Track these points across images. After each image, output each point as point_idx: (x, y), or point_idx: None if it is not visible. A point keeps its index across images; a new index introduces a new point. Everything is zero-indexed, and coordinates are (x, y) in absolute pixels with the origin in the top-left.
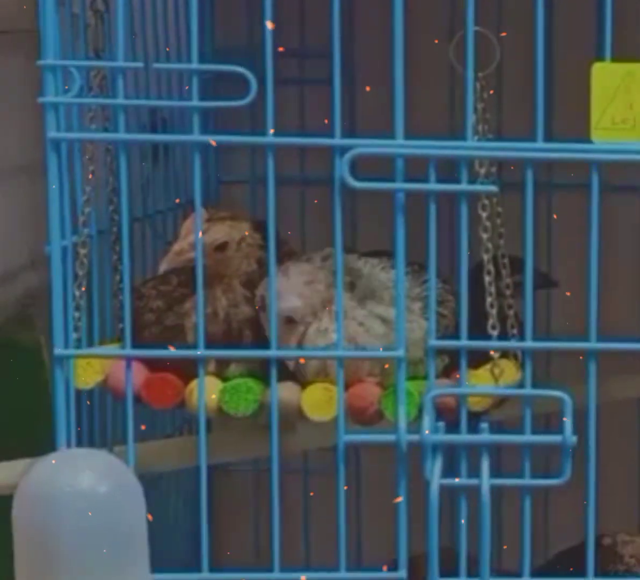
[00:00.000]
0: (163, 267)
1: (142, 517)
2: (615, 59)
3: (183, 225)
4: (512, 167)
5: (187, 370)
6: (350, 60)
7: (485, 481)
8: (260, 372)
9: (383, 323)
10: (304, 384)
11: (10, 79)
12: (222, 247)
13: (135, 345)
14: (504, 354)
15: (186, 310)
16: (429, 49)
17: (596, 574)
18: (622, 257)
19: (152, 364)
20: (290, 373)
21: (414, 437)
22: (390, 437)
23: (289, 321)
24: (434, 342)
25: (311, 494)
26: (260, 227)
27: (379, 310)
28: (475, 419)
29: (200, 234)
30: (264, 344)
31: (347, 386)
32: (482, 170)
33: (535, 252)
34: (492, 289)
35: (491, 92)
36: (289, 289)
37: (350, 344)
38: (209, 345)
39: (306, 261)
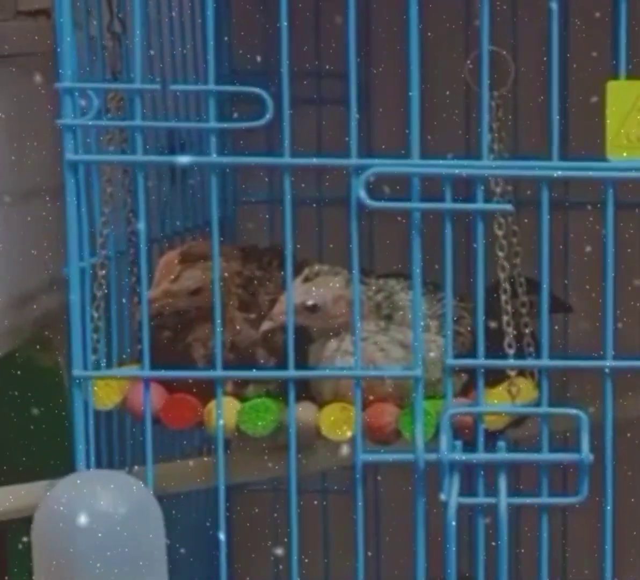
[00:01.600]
0: (137, 317)
1: (161, 537)
2: (631, 76)
3: (157, 269)
4: (527, 186)
5: (206, 391)
6: (366, 80)
7: (503, 500)
8: (278, 392)
9: (402, 348)
10: (321, 403)
11: (29, 101)
12: (196, 292)
13: (154, 366)
14: (521, 372)
15: (190, 343)
16: (445, 68)
17: None
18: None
19: (171, 385)
20: (309, 393)
21: (432, 456)
22: (408, 456)
23: (313, 309)
24: (451, 361)
25: (329, 513)
26: (275, 247)
27: (399, 336)
28: (492, 437)
29: (172, 278)
30: (279, 359)
31: (365, 406)
32: (498, 189)
33: (551, 271)
34: (509, 308)
35: (506, 111)
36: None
37: (368, 366)
38: (225, 367)
39: (334, 275)
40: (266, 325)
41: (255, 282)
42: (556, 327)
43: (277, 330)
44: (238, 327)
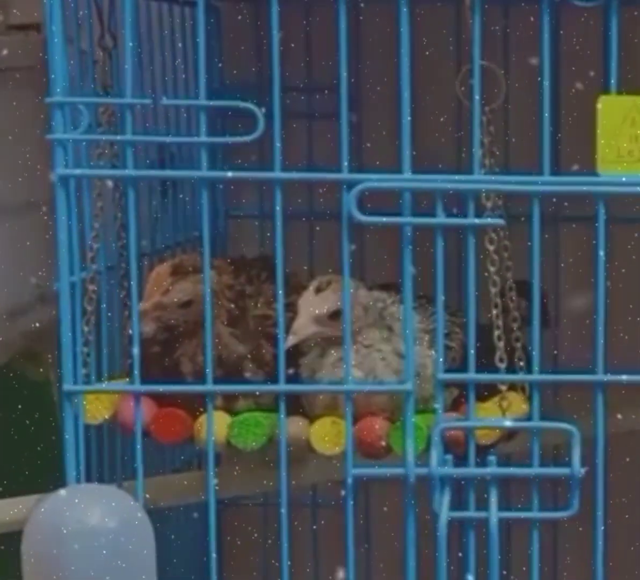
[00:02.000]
0: (144, 329)
1: (151, 552)
2: (622, 91)
3: (148, 281)
4: (519, 201)
5: (196, 405)
6: (357, 95)
7: (494, 514)
8: (268, 406)
9: (400, 358)
10: (312, 417)
11: (18, 115)
12: (187, 304)
13: (144, 380)
14: (512, 386)
15: (177, 357)
16: (436, 83)
17: None
18: (630, 289)
19: (161, 399)
20: (299, 406)
21: (422, 471)
22: (398, 471)
23: (334, 316)
24: (442, 376)
25: (320, 527)
26: (265, 258)
27: (400, 348)
28: (483, 451)
29: (164, 291)
30: (268, 373)
31: (356, 420)
32: (489, 204)
33: (542, 284)
34: (500, 322)
35: (498, 126)
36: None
37: (368, 376)
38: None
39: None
40: (291, 341)
41: (246, 297)
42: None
43: (262, 344)
44: (225, 342)
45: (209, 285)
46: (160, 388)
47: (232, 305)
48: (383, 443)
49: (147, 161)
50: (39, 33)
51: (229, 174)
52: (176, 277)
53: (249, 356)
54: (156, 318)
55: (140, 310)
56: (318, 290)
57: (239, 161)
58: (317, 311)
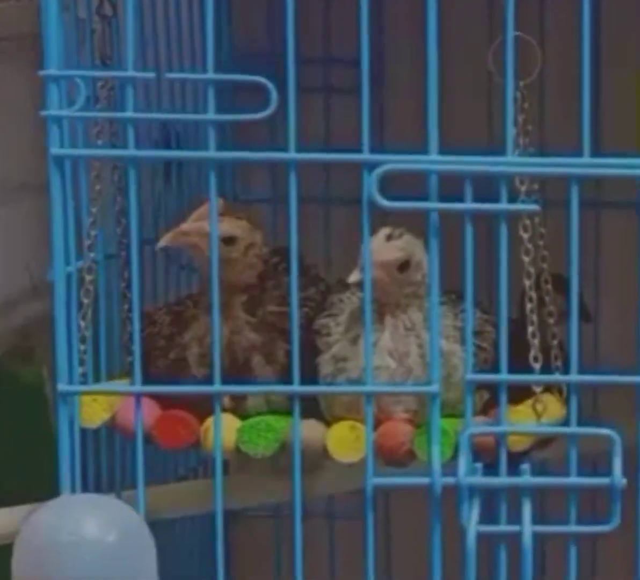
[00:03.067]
0: (161, 243)
1: (152, 566)
2: None
3: (197, 210)
4: (555, 185)
5: (201, 406)
6: (379, 68)
7: (527, 528)
8: (280, 405)
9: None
10: (330, 420)
11: (12, 90)
12: (230, 240)
13: (146, 380)
14: (548, 388)
15: (187, 342)
16: (466, 56)
17: None
18: None
19: (164, 400)
20: (315, 408)
21: (449, 480)
22: (423, 480)
23: (403, 267)
24: (471, 376)
25: (336, 540)
26: (280, 249)
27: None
28: (516, 459)
29: (203, 221)
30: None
31: (377, 423)
32: (523, 188)
33: (581, 276)
34: (534, 317)
35: (533, 102)
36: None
37: (400, 367)
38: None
39: (417, 238)
40: (355, 276)
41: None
42: (586, 337)
43: (276, 339)
44: (239, 326)
45: (247, 239)
46: (164, 389)
47: (257, 280)
48: (406, 449)
49: (150, 140)
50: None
51: (239, 154)
52: (228, 214)
53: (260, 348)
54: (193, 245)
55: (181, 229)
56: (389, 238)
57: (250, 138)
58: (385, 257)
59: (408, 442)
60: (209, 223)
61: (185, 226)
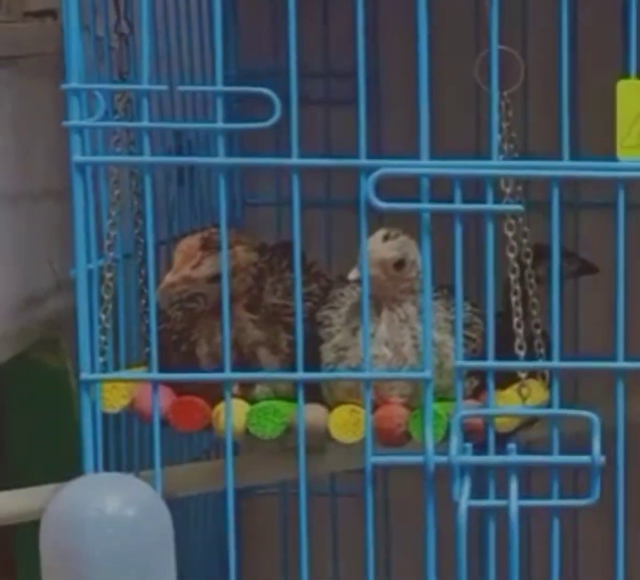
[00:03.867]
0: (157, 298)
1: (170, 540)
2: None
3: (176, 254)
4: (538, 186)
5: (213, 393)
6: (375, 80)
7: (514, 502)
8: (286, 393)
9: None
10: (332, 405)
11: (35, 103)
12: (216, 279)
13: (162, 368)
14: (532, 374)
15: (195, 339)
16: (454, 68)
17: None
18: None
19: (178, 387)
20: (317, 394)
21: (442, 459)
22: (417, 459)
23: (399, 266)
24: (461, 363)
25: (339, 516)
26: (283, 244)
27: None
28: (503, 439)
29: (194, 264)
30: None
31: (375, 406)
32: (508, 190)
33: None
34: (519, 309)
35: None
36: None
37: (395, 356)
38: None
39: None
40: (354, 274)
41: (265, 280)
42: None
43: (279, 331)
44: (242, 326)
45: (233, 262)
46: (178, 376)
47: (253, 285)
48: (402, 430)
49: (164, 148)
50: (55, 20)
51: (246, 160)
52: (206, 251)
53: (265, 342)
54: (181, 292)
55: (167, 282)
56: (386, 238)
57: (256, 147)
58: (382, 256)
59: (403, 424)
60: (191, 268)
61: (169, 278)
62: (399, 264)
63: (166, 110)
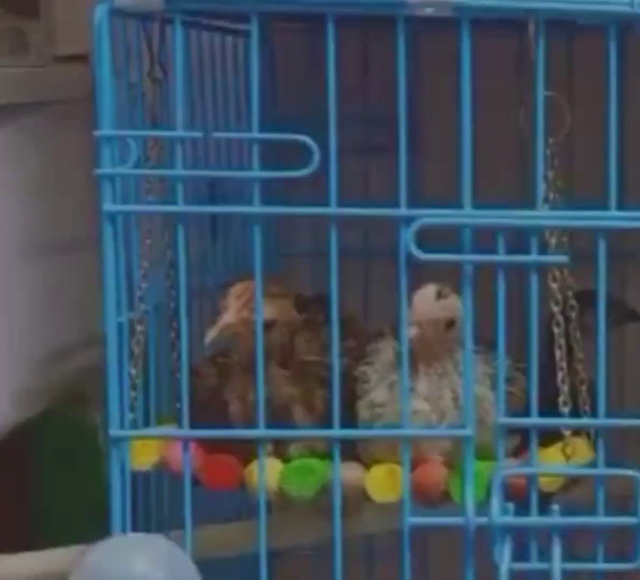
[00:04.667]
0: (208, 338)
1: None
2: None
3: (230, 296)
4: (583, 237)
5: (245, 450)
6: (415, 127)
7: (557, 566)
8: (321, 451)
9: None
10: (368, 463)
11: (66, 150)
12: (269, 326)
13: (193, 425)
14: (576, 431)
15: (228, 396)
16: (498, 114)
17: None
18: None
19: (210, 445)
20: (353, 451)
21: (483, 520)
22: (457, 520)
23: (450, 325)
24: (504, 420)
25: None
26: (320, 297)
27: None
28: (545, 499)
29: (251, 309)
30: (317, 417)
31: (413, 466)
32: (553, 240)
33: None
34: (564, 365)
35: (562, 158)
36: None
37: (434, 411)
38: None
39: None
40: (413, 333)
41: (301, 337)
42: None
43: (314, 388)
44: (276, 383)
45: (278, 315)
46: (210, 433)
47: (286, 340)
48: (441, 490)
49: (197, 198)
50: (86, 64)
51: (284, 209)
52: (264, 298)
53: (299, 399)
54: (237, 333)
55: (226, 322)
56: (439, 296)
57: (289, 196)
58: (436, 316)
59: (443, 483)
60: (250, 310)
61: (227, 318)
62: (450, 324)
63: (199, 160)
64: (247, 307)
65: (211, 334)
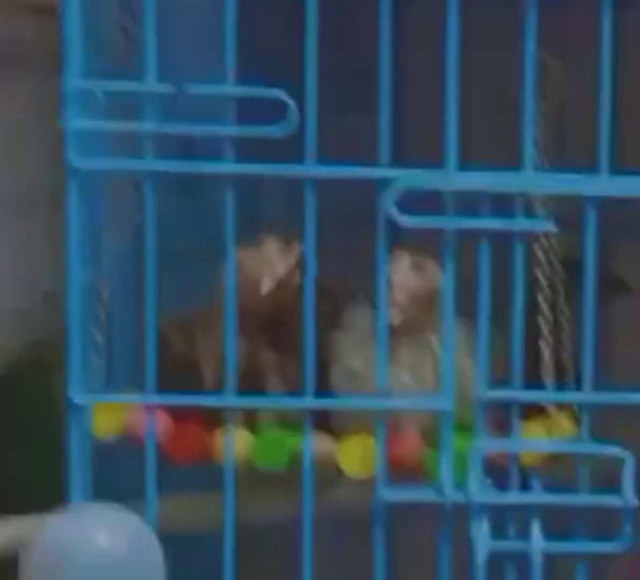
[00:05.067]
0: (265, 288)
1: (161, 578)
2: None
3: (270, 247)
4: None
5: (213, 419)
6: (397, 84)
7: (536, 546)
8: (292, 421)
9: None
10: (340, 436)
11: (31, 102)
12: (285, 285)
13: (159, 391)
14: (560, 406)
15: (201, 354)
16: (487, 72)
17: None
18: None
19: (176, 412)
20: (326, 423)
21: (460, 497)
22: (433, 496)
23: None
24: (485, 392)
25: (344, 557)
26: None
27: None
28: (525, 476)
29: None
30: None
31: (389, 440)
32: (541, 206)
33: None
34: (549, 336)
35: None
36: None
37: (418, 384)
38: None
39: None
40: (395, 318)
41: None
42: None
43: (288, 359)
44: (256, 344)
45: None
46: (177, 400)
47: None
48: (417, 466)
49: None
50: (53, 15)
51: (257, 167)
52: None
53: (274, 366)
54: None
55: (265, 287)
56: (415, 267)
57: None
58: (415, 292)
59: (419, 458)
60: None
61: (266, 284)
62: (432, 297)
63: (171, 116)
64: (284, 267)
65: (267, 285)
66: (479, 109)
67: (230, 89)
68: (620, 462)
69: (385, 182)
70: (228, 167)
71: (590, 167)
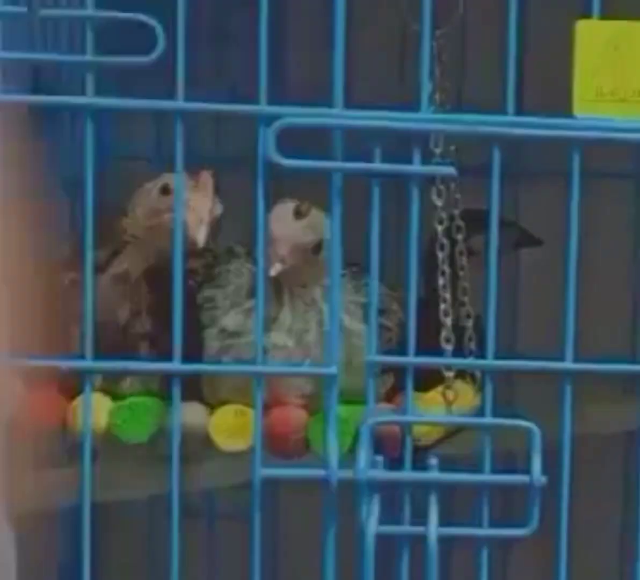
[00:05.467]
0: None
1: (11, 564)
2: (605, 16)
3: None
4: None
5: (72, 385)
6: (279, 12)
7: (433, 529)
8: (159, 390)
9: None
10: (213, 405)
11: None
12: (317, 249)
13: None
14: (460, 374)
15: (76, 313)
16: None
17: None
18: (606, 257)
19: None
20: (197, 391)
21: (347, 474)
22: (318, 473)
23: (317, 250)
24: (375, 358)
25: (217, 540)
26: None
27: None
28: (422, 452)
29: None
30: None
31: (267, 409)
32: (438, 149)
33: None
34: (447, 295)
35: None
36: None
37: (298, 346)
38: (100, 355)
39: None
40: (278, 269)
41: None
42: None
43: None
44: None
45: None
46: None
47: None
48: (300, 438)
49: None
50: None
51: (120, 101)
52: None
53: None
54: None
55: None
56: (297, 214)
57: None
58: (297, 241)
59: (302, 430)
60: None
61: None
62: (317, 247)
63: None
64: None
65: (203, 232)
66: (371, 41)
67: (89, 12)
68: (529, 436)
69: (266, 121)
70: (88, 99)
71: (492, 106)
